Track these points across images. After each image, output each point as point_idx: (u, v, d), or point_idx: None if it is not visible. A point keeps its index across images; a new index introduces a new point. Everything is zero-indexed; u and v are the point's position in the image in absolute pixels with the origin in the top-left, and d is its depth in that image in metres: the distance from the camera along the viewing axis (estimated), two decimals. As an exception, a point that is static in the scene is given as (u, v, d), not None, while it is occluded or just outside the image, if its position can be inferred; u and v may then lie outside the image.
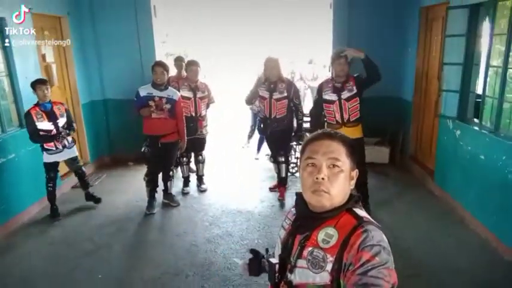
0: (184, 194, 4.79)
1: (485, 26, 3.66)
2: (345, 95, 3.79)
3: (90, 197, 4.50)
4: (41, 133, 3.86)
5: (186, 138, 4.30)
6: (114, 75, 5.65)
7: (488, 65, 3.57)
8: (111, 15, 5.52)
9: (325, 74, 6.07)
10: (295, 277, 1.15)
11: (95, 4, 5.51)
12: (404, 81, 5.52)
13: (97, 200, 4.52)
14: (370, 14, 5.43)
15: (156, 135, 4.08)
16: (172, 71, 5.22)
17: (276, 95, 4.14)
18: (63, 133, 3.99)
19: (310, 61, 10.48)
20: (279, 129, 4.25)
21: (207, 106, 4.77)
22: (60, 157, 4.08)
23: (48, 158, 4.00)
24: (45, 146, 3.94)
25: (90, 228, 3.98)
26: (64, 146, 4.05)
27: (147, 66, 5.39)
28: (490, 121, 3.59)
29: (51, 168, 4.07)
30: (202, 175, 4.99)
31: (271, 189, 4.79)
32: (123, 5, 5.47)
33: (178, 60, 5.12)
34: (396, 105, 5.62)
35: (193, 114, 4.56)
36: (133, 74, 5.51)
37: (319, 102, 3.97)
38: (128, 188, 4.73)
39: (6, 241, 3.73)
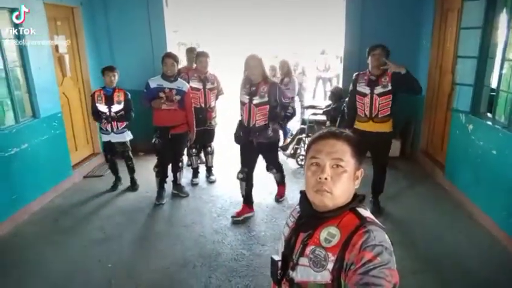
0: (193, 184, 4.83)
1: (502, 18, 3.55)
2: (378, 90, 3.64)
3: (132, 182, 4.74)
4: (99, 113, 4.32)
5: (195, 129, 4.31)
6: (126, 66, 5.66)
7: (504, 59, 3.48)
8: (123, 5, 5.54)
9: (339, 65, 6.00)
10: (297, 275, 1.15)
11: (107, -6, 5.53)
12: (418, 74, 5.36)
13: (134, 187, 4.72)
14: (384, 3, 5.33)
15: (166, 127, 4.08)
16: (183, 62, 5.23)
17: (256, 100, 3.61)
18: (107, 118, 4.33)
19: (323, 52, 10.40)
20: (267, 141, 3.73)
21: (216, 98, 4.79)
22: (110, 138, 4.44)
23: (103, 137, 4.53)
24: (101, 126, 4.43)
25: (100, 217, 4.05)
26: (112, 130, 4.36)
27: (158, 56, 5.39)
28: (504, 116, 3.52)
29: (106, 147, 4.57)
30: (211, 166, 5.03)
31: (234, 218, 3.92)
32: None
33: (190, 52, 5.11)
34: (408, 98, 5.49)
35: (203, 106, 4.58)
36: (144, 64, 5.53)
37: (354, 93, 3.81)
38: (138, 178, 4.78)
39: (17, 229, 3.82)
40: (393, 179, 4.78)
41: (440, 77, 4.94)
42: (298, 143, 5.51)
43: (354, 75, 3.88)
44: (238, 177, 3.91)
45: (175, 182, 4.48)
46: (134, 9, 5.53)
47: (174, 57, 4.09)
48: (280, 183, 4.35)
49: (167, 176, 4.39)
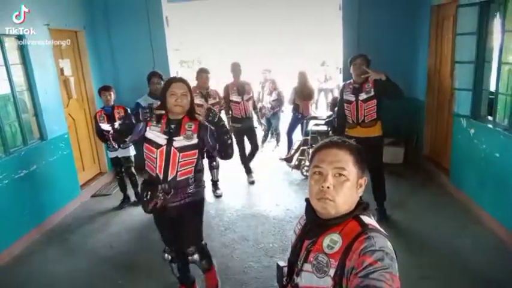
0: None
1: (496, 23, 3.62)
2: (363, 96, 3.84)
3: (137, 196, 4.72)
4: (104, 133, 4.40)
5: None
6: (129, 85, 5.78)
7: (500, 62, 3.53)
8: (126, 27, 5.69)
9: (338, 75, 6.09)
10: (301, 280, 1.18)
11: (110, 17, 5.68)
12: (417, 81, 5.49)
13: (135, 203, 4.72)
14: (380, 14, 5.42)
15: None
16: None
17: (179, 142, 2.45)
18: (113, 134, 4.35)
19: (323, 63, 10.52)
20: (184, 202, 2.53)
21: (219, 112, 4.86)
22: (117, 154, 4.55)
23: (110, 154, 4.62)
24: (107, 144, 4.54)
25: (108, 235, 4.09)
26: (119, 146, 4.45)
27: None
28: (504, 118, 3.55)
29: (115, 163, 4.67)
30: (217, 180, 5.07)
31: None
32: (136, 17, 5.63)
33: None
34: (409, 105, 5.57)
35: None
36: (147, 83, 5.63)
37: (341, 102, 4.04)
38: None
39: (28, 250, 3.87)
40: (398, 186, 4.80)
41: (439, 82, 5.00)
42: (302, 154, 5.55)
43: (341, 85, 4.13)
44: (164, 259, 2.82)
45: None
46: (136, 29, 5.67)
47: (159, 76, 4.34)
48: (207, 269, 2.81)
49: None
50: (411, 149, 5.63)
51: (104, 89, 4.44)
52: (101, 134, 4.46)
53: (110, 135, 4.33)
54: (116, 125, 3.96)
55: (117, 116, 4.40)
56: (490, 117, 3.81)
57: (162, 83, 4.00)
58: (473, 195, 3.99)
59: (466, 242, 3.48)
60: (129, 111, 4.47)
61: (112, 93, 4.44)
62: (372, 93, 3.80)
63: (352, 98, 3.89)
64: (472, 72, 3.84)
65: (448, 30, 4.68)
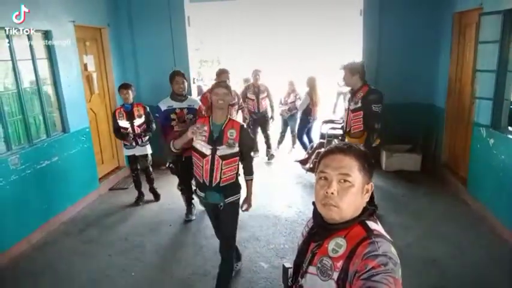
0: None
1: (520, 32, 3.56)
2: (352, 106, 3.77)
3: (153, 192, 4.88)
4: (121, 130, 4.47)
5: None
6: (150, 83, 5.90)
7: (523, 72, 3.47)
8: (148, 26, 5.80)
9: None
10: (306, 282, 1.20)
11: (133, 16, 5.80)
12: (437, 88, 5.42)
13: (157, 197, 4.87)
14: (402, 19, 5.39)
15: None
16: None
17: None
18: (131, 134, 4.47)
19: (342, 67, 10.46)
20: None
21: (237, 112, 4.95)
22: (135, 152, 4.58)
23: (126, 152, 4.67)
24: (124, 142, 4.55)
25: (125, 228, 4.19)
26: (136, 144, 4.51)
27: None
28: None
29: (131, 160, 4.70)
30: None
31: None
32: (159, 16, 5.74)
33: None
34: (429, 111, 5.52)
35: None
36: (167, 81, 5.72)
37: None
38: (160, 191, 4.92)
39: (46, 238, 4.00)
40: (414, 194, 4.76)
41: (460, 90, 4.92)
42: (317, 156, 5.54)
43: None
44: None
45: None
46: (158, 28, 5.78)
47: (183, 75, 4.06)
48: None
49: (192, 192, 4.10)
50: (429, 156, 5.56)
51: (122, 87, 4.47)
52: (119, 131, 4.50)
53: (130, 134, 4.43)
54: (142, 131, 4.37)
55: (136, 113, 4.46)
56: (511, 128, 3.74)
57: (186, 83, 4.02)
58: (490, 206, 3.93)
59: (480, 252, 3.43)
60: (148, 109, 4.56)
61: (131, 91, 4.46)
62: (359, 104, 3.70)
63: (346, 105, 3.84)
64: (494, 81, 3.77)
65: (470, 38, 4.61)
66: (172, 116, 3.94)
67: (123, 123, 4.46)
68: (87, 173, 4.88)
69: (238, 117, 5.29)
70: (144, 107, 4.54)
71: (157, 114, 4.11)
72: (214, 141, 2.60)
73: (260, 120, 6.35)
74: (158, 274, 3.34)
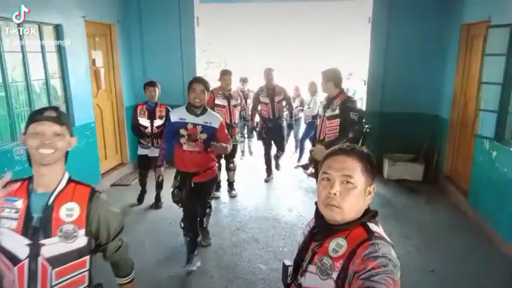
0: (215, 198, 4.94)
1: (528, 46, 3.57)
2: (328, 113, 3.54)
3: (157, 199, 4.65)
4: (140, 128, 4.39)
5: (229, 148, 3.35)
6: (157, 81, 5.93)
7: (529, 86, 3.48)
8: (157, 25, 5.84)
9: (362, 88, 6.09)
10: (305, 281, 1.22)
11: (143, 14, 5.85)
12: (442, 99, 5.43)
13: (158, 206, 4.62)
14: (410, 29, 5.41)
15: (187, 172, 3.22)
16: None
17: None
18: (149, 133, 4.41)
19: (350, 74, 10.53)
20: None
21: (240, 113, 4.97)
22: (149, 153, 4.47)
23: (140, 151, 4.54)
24: (140, 140, 4.47)
25: (124, 224, 4.19)
26: (152, 144, 4.43)
27: (188, 73, 5.67)
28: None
29: (141, 160, 4.58)
30: (233, 181, 5.13)
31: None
32: (168, 15, 5.79)
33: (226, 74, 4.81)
34: (433, 122, 5.53)
35: (228, 122, 4.72)
36: (174, 79, 5.78)
37: None
38: (162, 192, 4.92)
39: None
40: (415, 204, 4.77)
41: (465, 102, 4.93)
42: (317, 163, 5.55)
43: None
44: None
45: (202, 225, 3.67)
46: (167, 28, 5.82)
47: (204, 83, 3.13)
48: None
49: (198, 235, 3.54)
50: (431, 166, 5.56)
51: (149, 84, 4.37)
52: (137, 128, 4.43)
53: (148, 136, 4.37)
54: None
55: (157, 114, 4.37)
56: (514, 141, 3.75)
57: (206, 94, 3.16)
58: (490, 218, 3.93)
59: (479, 263, 3.43)
60: (170, 109, 4.51)
61: (157, 88, 4.36)
62: (337, 111, 3.47)
63: (321, 112, 3.63)
64: (499, 94, 3.78)
65: (477, 50, 4.62)
66: (182, 131, 3.15)
67: (143, 121, 4.38)
68: (90, 167, 4.90)
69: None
70: (167, 109, 4.33)
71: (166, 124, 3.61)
72: (35, 228, 1.37)
73: (276, 129, 5.33)
74: (157, 271, 3.35)
